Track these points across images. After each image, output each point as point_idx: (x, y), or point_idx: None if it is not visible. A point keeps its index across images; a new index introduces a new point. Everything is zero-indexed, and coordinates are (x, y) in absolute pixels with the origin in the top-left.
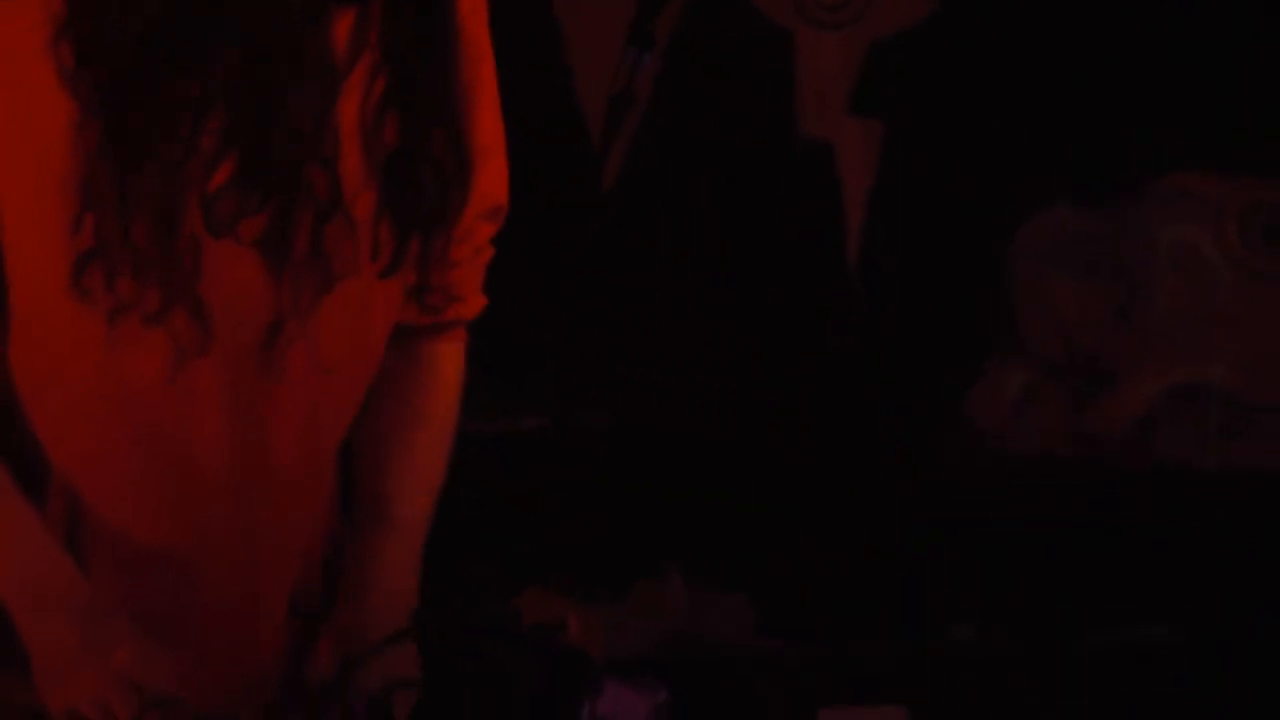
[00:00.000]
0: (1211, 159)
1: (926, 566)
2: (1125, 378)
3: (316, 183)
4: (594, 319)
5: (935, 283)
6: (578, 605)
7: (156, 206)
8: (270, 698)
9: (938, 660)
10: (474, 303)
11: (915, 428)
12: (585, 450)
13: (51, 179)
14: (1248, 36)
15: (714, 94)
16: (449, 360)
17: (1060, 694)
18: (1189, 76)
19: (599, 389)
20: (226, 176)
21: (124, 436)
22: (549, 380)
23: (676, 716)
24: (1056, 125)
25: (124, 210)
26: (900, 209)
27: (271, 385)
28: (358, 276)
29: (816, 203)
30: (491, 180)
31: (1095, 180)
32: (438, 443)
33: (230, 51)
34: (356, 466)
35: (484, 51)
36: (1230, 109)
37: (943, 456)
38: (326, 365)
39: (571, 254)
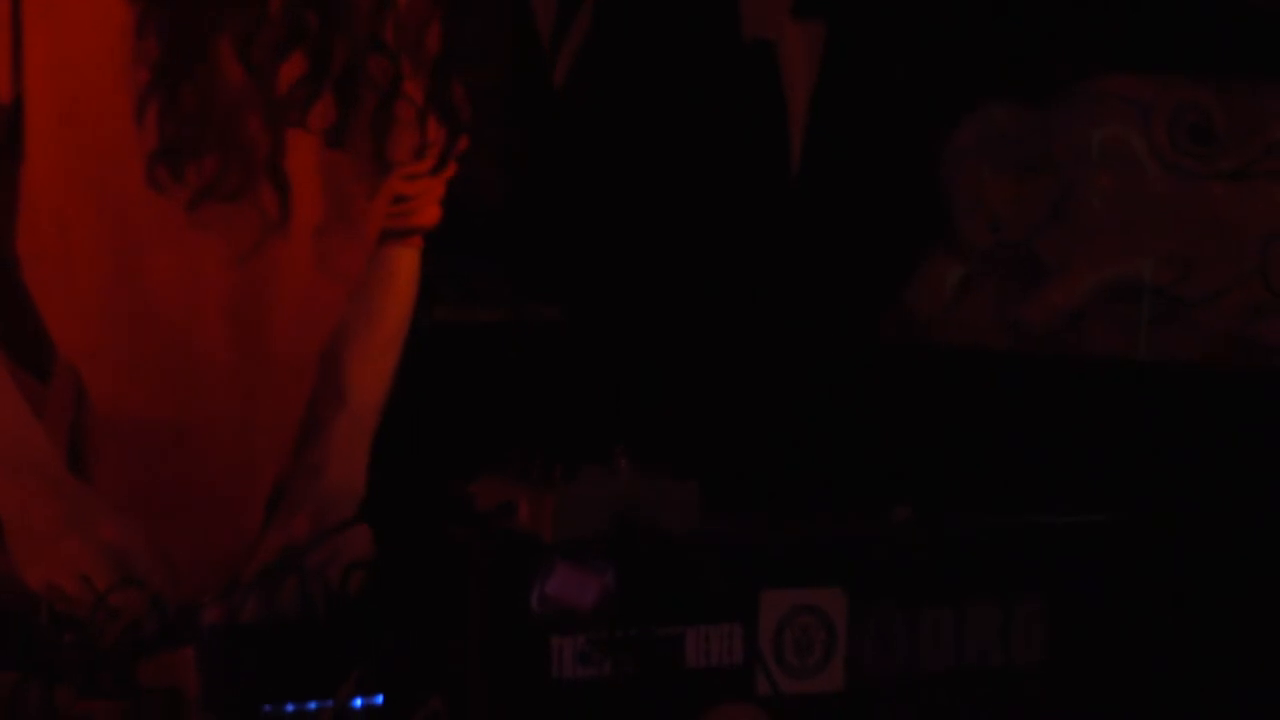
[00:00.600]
0: (1141, 60)
1: (866, 451)
2: (1057, 272)
3: (377, 72)
4: (546, 216)
5: (876, 178)
6: (529, 490)
7: (227, 97)
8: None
9: (876, 543)
10: (434, 213)
11: (857, 318)
12: (538, 341)
13: (90, 73)
14: None
15: None
16: (408, 265)
17: (996, 574)
18: None
19: (552, 283)
20: (295, 68)
21: (130, 326)
22: (505, 275)
23: (623, 596)
24: (992, 28)
25: (194, 103)
26: (841, 107)
27: (276, 282)
28: (402, 168)
29: (761, 101)
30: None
31: (1030, 81)
32: (393, 340)
33: None
34: (320, 359)
35: None
36: (1159, 10)
37: (883, 345)
38: (332, 267)
39: (524, 152)
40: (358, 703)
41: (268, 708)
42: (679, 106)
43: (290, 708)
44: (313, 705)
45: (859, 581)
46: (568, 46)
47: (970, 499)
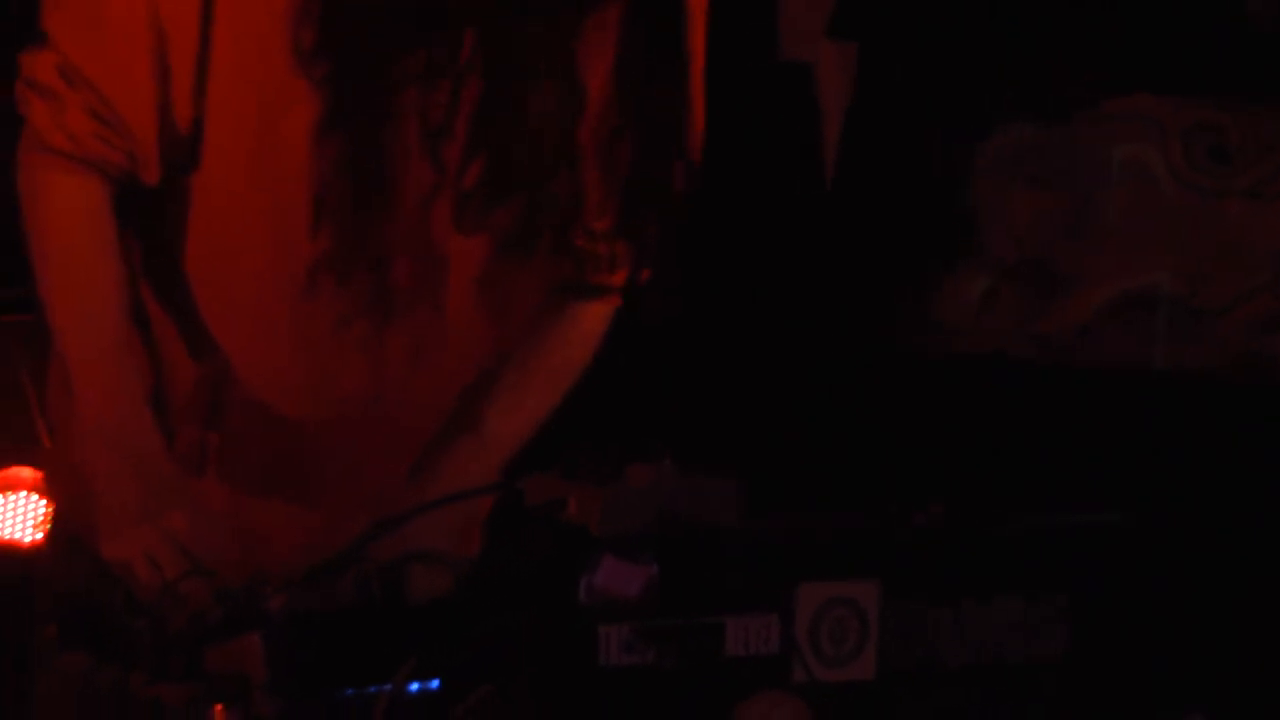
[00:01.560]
0: (1160, 82)
1: (897, 453)
2: (1077, 283)
3: (559, 187)
4: None
5: (905, 192)
6: (578, 487)
7: (403, 206)
8: None
9: (907, 539)
10: (643, 272)
11: (887, 326)
12: None
13: (278, 154)
14: None
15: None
16: (595, 321)
17: (1020, 571)
18: (1144, 6)
19: None
20: (476, 173)
21: (285, 345)
22: None
23: (667, 589)
24: (1017, 50)
25: (360, 205)
26: (873, 125)
27: (427, 339)
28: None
29: (796, 118)
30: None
31: (1053, 101)
32: (550, 383)
33: (474, 43)
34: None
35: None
36: (1179, 36)
37: (911, 352)
38: (505, 325)
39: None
40: (414, 687)
41: (329, 692)
42: (719, 123)
43: (350, 692)
44: (372, 690)
45: (891, 576)
46: None
47: (996, 500)
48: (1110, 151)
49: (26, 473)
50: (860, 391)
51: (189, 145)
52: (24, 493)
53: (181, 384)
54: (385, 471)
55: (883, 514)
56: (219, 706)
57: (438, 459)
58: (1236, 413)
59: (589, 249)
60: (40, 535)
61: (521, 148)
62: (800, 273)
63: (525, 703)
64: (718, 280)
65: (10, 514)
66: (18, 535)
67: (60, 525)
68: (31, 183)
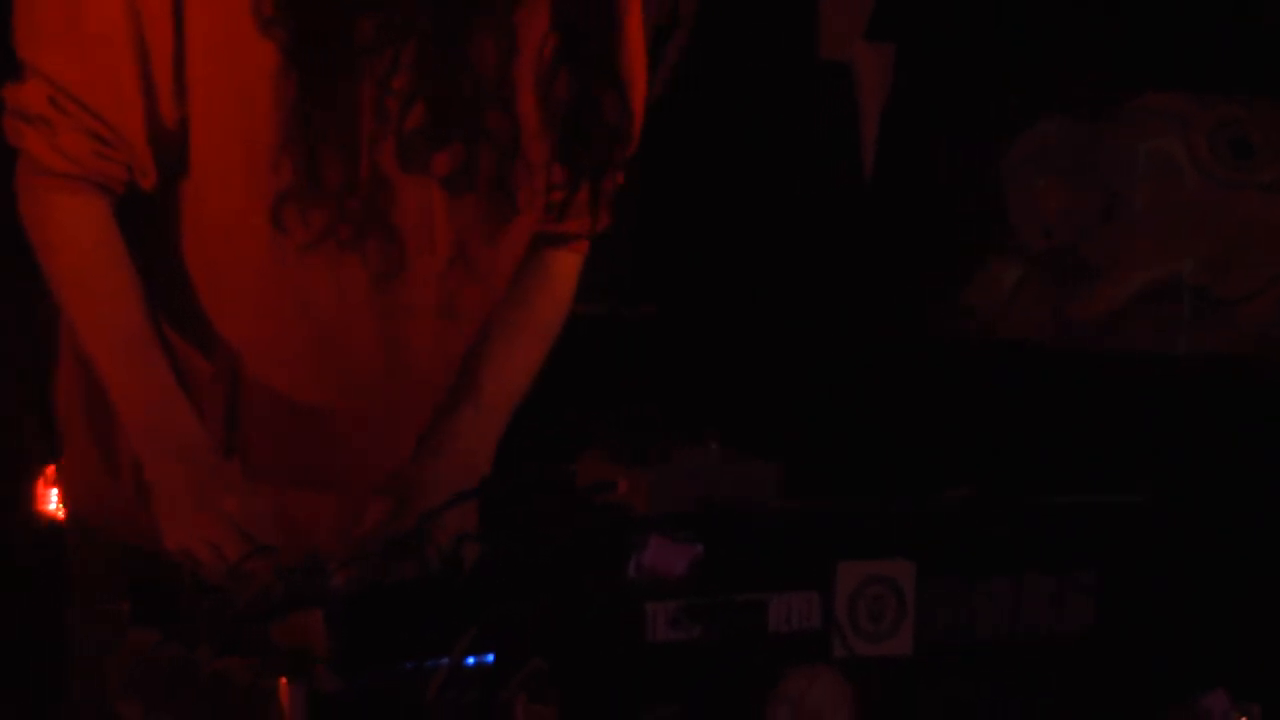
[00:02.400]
0: (1185, 80)
1: (932, 436)
2: (1105, 273)
3: (497, 126)
4: (641, 223)
5: (941, 186)
6: (627, 469)
7: (352, 147)
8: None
9: (941, 519)
10: (604, 220)
11: (922, 314)
12: (635, 335)
13: (253, 123)
14: None
15: (746, 19)
16: (567, 271)
17: (1050, 548)
18: (1169, 7)
19: (647, 283)
20: (418, 115)
21: (284, 315)
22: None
23: (711, 567)
24: (1049, 49)
25: (322, 151)
26: (910, 123)
27: (422, 294)
28: (531, 211)
29: (836, 116)
30: (636, 113)
31: (1082, 98)
32: (538, 338)
33: (417, 9)
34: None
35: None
36: (1202, 35)
37: (946, 339)
38: (478, 279)
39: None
40: (470, 661)
41: (388, 666)
42: (762, 122)
43: (409, 665)
44: (429, 663)
45: (926, 554)
46: (662, 67)
47: (1026, 480)
48: (1137, 146)
49: None
50: (896, 377)
51: (179, 142)
52: None
53: (196, 386)
54: (407, 449)
55: (917, 495)
56: (283, 680)
57: (445, 425)
58: (1257, 397)
59: (529, 185)
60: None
61: (459, 91)
62: (839, 263)
63: (576, 676)
64: (761, 270)
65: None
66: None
67: (75, 521)
68: (35, 207)
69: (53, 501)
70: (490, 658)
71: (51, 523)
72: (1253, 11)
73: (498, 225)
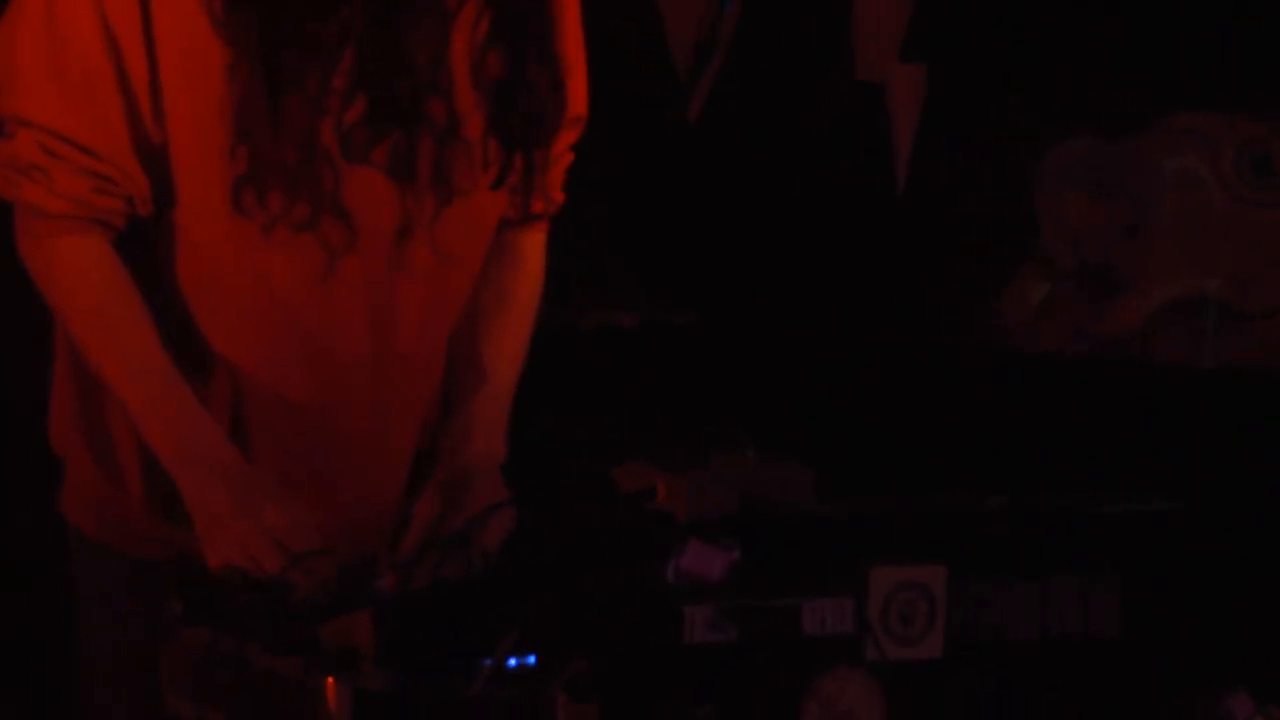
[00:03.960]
0: (1210, 99)
1: (963, 444)
2: (1132, 287)
3: (435, 112)
4: (681, 233)
5: (972, 201)
6: (665, 474)
7: (300, 136)
8: (378, 543)
9: (972, 525)
10: (556, 199)
11: (954, 325)
12: (675, 341)
13: (210, 114)
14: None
15: (784, 42)
16: (533, 249)
17: (1077, 554)
18: (1195, 26)
19: (686, 291)
20: (358, 110)
21: (275, 324)
22: (641, 282)
23: (748, 572)
24: (1078, 68)
25: (273, 139)
26: (942, 141)
27: (400, 279)
28: (474, 189)
29: (870, 134)
30: (574, 93)
31: (1110, 116)
32: (524, 320)
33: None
34: (454, 341)
35: None
36: (1228, 55)
37: (977, 350)
38: (448, 259)
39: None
40: (513, 662)
41: (434, 665)
42: (799, 138)
43: (453, 665)
44: (473, 664)
45: (957, 560)
46: (703, 85)
47: (1054, 488)
48: (1164, 164)
49: None
50: (928, 386)
51: (164, 166)
52: None
53: (200, 396)
54: (408, 434)
55: (948, 501)
56: (330, 679)
57: (464, 415)
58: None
59: (469, 167)
60: None
61: (398, 81)
62: (873, 274)
63: (615, 677)
64: (797, 280)
65: None
66: None
67: (74, 530)
68: (40, 252)
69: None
70: (532, 659)
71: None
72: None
73: (447, 208)
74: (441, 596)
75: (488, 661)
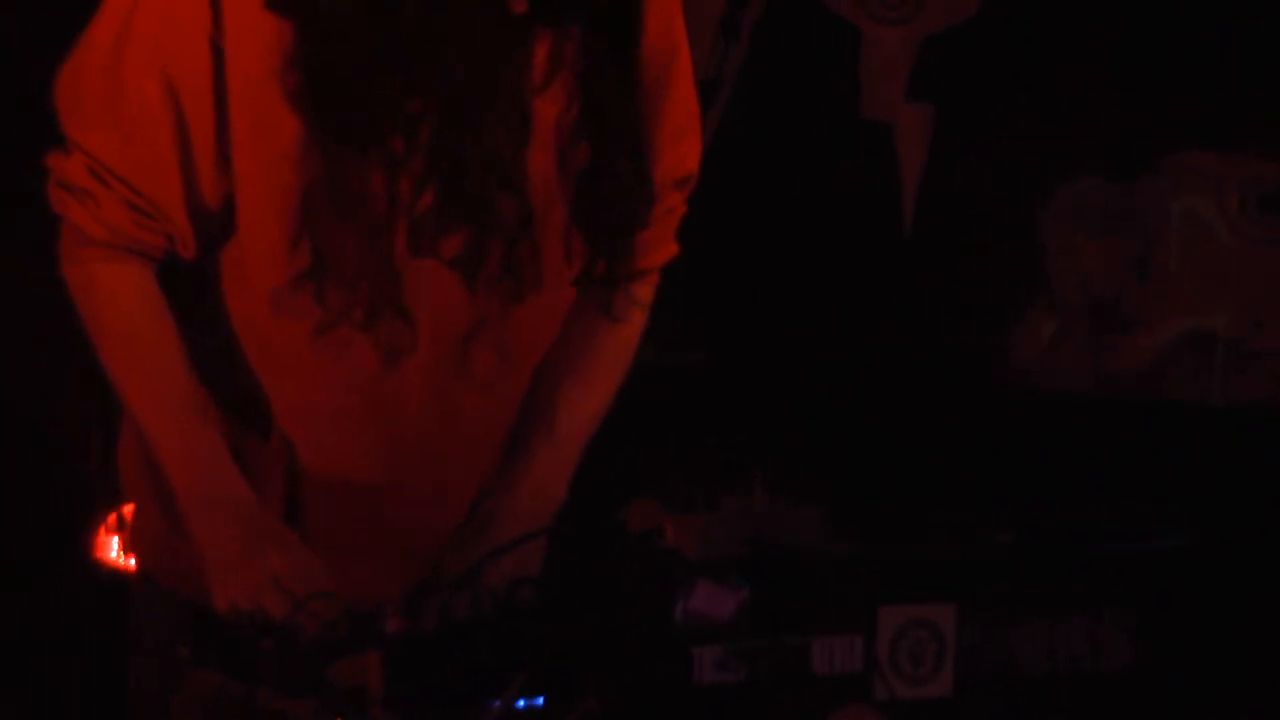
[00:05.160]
0: (1217, 139)
1: (973, 481)
2: (1141, 326)
3: (506, 210)
4: (691, 274)
5: (981, 241)
6: (674, 515)
7: (367, 227)
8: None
9: (982, 564)
10: (665, 252)
11: (963, 365)
12: (685, 382)
13: (290, 198)
14: (1248, 38)
15: (790, 80)
16: (635, 302)
17: (1088, 592)
18: (1199, 69)
19: (697, 332)
20: (429, 201)
21: (335, 400)
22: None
23: (757, 611)
24: (1084, 109)
25: (335, 232)
26: (949, 179)
27: (465, 370)
28: (550, 285)
29: (878, 173)
30: (686, 154)
31: (1118, 157)
32: (611, 373)
33: (434, 87)
34: (536, 382)
35: (679, 40)
36: (1232, 96)
37: (987, 388)
38: (514, 356)
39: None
40: (521, 704)
41: (442, 707)
42: (807, 178)
43: (461, 707)
44: (481, 705)
45: (967, 598)
46: (709, 125)
47: (1066, 526)
48: (1170, 203)
49: None
50: (938, 423)
51: (221, 214)
52: None
53: (256, 457)
54: (459, 512)
55: (958, 540)
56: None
57: (519, 461)
58: None
59: (536, 267)
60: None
61: (471, 177)
62: (883, 314)
63: (625, 718)
64: (806, 319)
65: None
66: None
67: (142, 575)
68: (79, 274)
69: (113, 549)
70: (540, 700)
71: (112, 571)
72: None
73: (513, 305)
74: (450, 638)
75: (497, 703)
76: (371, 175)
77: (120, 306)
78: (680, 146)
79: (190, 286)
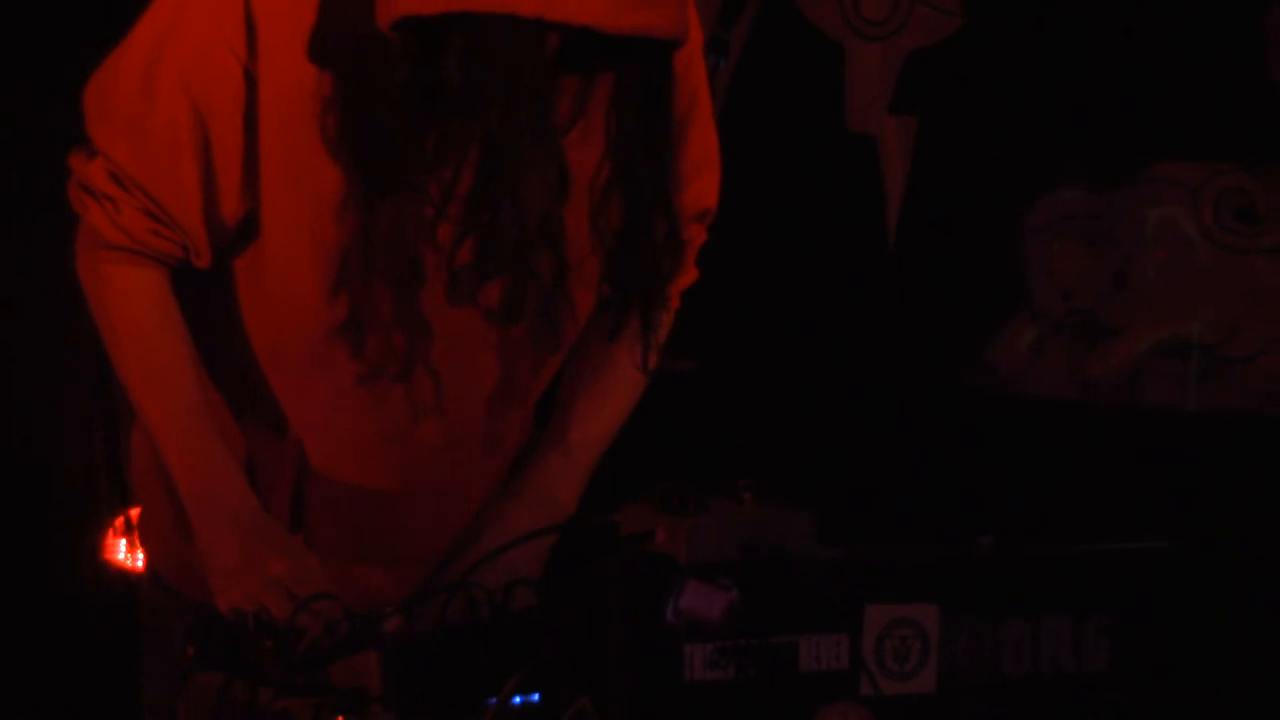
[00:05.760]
0: (1193, 149)
1: (956, 485)
2: (1118, 333)
3: (543, 262)
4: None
5: (961, 252)
6: (666, 518)
7: (406, 279)
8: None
9: (964, 565)
10: (685, 279)
11: (946, 372)
12: (676, 388)
13: (320, 228)
14: (1222, 52)
15: (777, 94)
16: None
17: (1068, 593)
18: (1174, 82)
19: (687, 340)
20: (468, 253)
21: (353, 409)
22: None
23: (746, 611)
24: (1063, 122)
25: (374, 287)
26: (932, 191)
27: (473, 425)
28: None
29: (862, 185)
30: (706, 188)
31: (1095, 168)
32: (626, 391)
33: (473, 140)
34: (558, 392)
35: (700, 78)
36: (1205, 109)
37: (969, 396)
38: (525, 406)
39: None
40: (517, 701)
41: (439, 705)
42: (794, 189)
43: (458, 705)
44: (478, 703)
45: (950, 598)
46: None
47: (1045, 528)
48: (1147, 214)
49: None
50: (923, 429)
51: (240, 229)
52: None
53: (266, 464)
54: (471, 511)
55: (941, 542)
56: (340, 718)
57: (528, 468)
58: (1263, 449)
59: (573, 320)
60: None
61: (509, 229)
62: (867, 323)
63: (618, 714)
64: (794, 327)
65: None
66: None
67: (151, 573)
68: (93, 274)
69: (121, 551)
70: (536, 697)
71: (119, 572)
72: (1253, 80)
73: (543, 357)
74: (446, 638)
75: (493, 700)
76: (411, 226)
77: (132, 308)
78: (700, 180)
79: (202, 288)
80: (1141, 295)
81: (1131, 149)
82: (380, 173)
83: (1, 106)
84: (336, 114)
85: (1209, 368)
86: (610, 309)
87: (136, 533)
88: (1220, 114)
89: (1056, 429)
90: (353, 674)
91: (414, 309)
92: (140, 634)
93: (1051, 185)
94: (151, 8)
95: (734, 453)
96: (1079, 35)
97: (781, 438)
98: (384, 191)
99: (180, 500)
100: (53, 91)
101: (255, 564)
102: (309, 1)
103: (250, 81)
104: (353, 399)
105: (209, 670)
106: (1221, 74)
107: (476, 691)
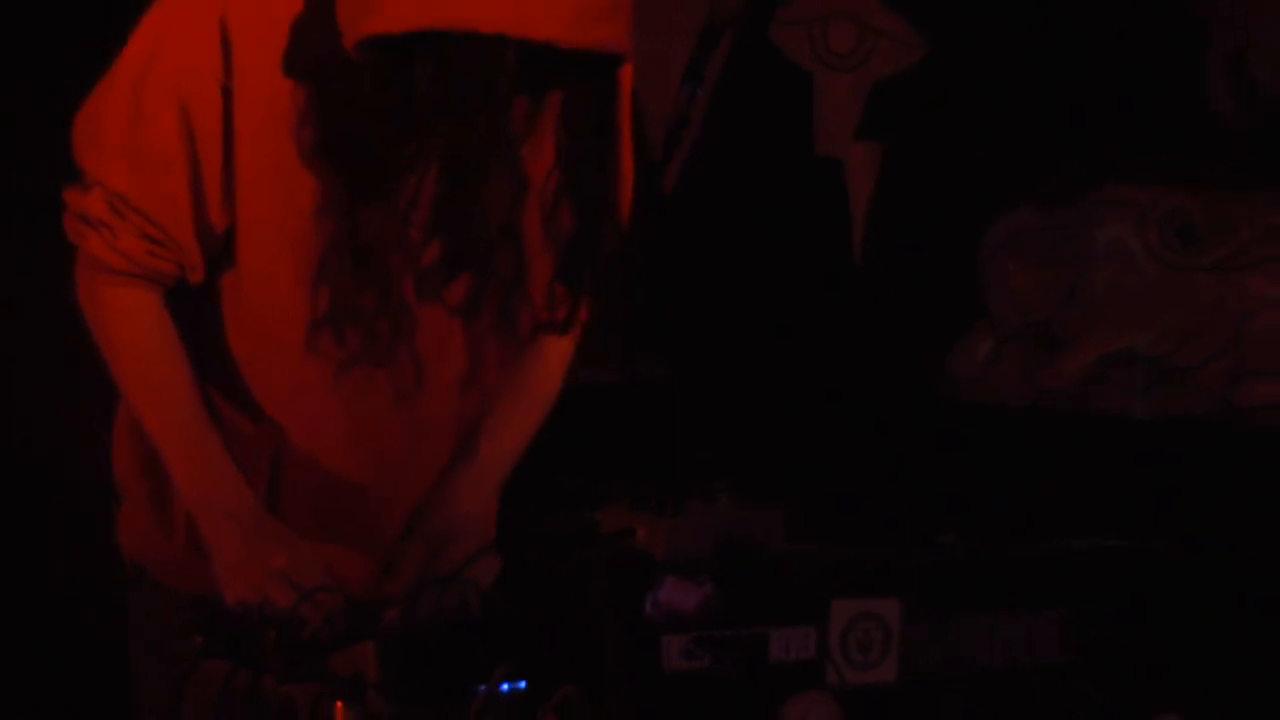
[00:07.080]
0: (1140, 172)
1: (917, 487)
2: (1070, 345)
3: (504, 261)
4: (655, 292)
5: (923, 268)
6: (645, 518)
7: (380, 275)
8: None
9: (925, 562)
10: (589, 310)
11: (907, 380)
12: (650, 394)
13: (295, 236)
14: (1170, 83)
15: (749, 120)
16: (559, 353)
17: (1023, 588)
18: (1124, 111)
19: (661, 347)
20: (435, 252)
21: (322, 406)
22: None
23: (720, 604)
24: (1019, 146)
25: (354, 278)
26: (895, 212)
27: (442, 409)
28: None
29: (829, 207)
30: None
31: (1050, 189)
32: (532, 412)
33: (441, 147)
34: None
35: (627, 88)
36: (1153, 135)
37: (929, 402)
38: (482, 380)
39: (636, 243)
40: (505, 688)
41: (433, 691)
42: (765, 208)
43: (451, 691)
44: (469, 689)
45: (911, 593)
46: (676, 158)
47: (1002, 528)
48: (1096, 233)
49: None
50: (886, 433)
51: (225, 242)
52: None
53: (242, 449)
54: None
55: (903, 540)
56: (339, 704)
57: (449, 480)
58: (1208, 452)
59: (530, 313)
60: None
61: (474, 232)
62: (833, 334)
63: (600, 701)
64: (764, 337)
65: None
66: None
67: (134, 568)
68: (93, 297)
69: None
70: (523, 685)
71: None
72: (1198, 108)
73: (504, 350)
74: (440, 629)
75: (483, 687)
76: (382, 228)
77: (132, 327)
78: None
79: (191, 303)
80: (1092, 309)
81: (1083, 172)
82: (353, 180)
83: (1, 106)
84: (312, 128)
85: (1156, 376)
86: (562, 304)
87: (116, 530)
88: (1167, 140)
89: (1012, 434)
90: (352, 662)
91: (386, 305)
92: (129, 628)
93: (1008, 205)
94: (133, 38)
95: (708, 454)
96: (1036, 67)
97: (754, 439)
98: (357, 197)
99: (162, 495)
100: (53, 92)
101: (258, 558)
102: (282, 19)
103: (227, 96)
104: (326, 390)
105: (214, 658)
106: (1168, 104)
107: (468, 679)
